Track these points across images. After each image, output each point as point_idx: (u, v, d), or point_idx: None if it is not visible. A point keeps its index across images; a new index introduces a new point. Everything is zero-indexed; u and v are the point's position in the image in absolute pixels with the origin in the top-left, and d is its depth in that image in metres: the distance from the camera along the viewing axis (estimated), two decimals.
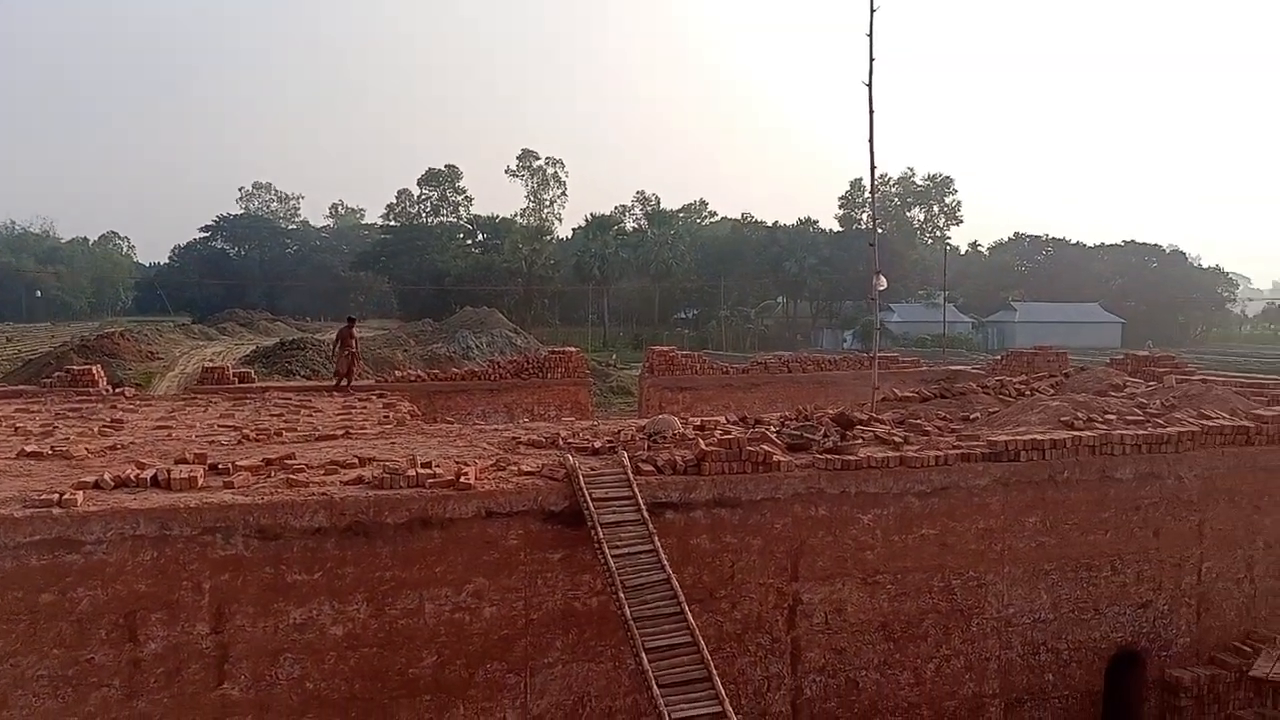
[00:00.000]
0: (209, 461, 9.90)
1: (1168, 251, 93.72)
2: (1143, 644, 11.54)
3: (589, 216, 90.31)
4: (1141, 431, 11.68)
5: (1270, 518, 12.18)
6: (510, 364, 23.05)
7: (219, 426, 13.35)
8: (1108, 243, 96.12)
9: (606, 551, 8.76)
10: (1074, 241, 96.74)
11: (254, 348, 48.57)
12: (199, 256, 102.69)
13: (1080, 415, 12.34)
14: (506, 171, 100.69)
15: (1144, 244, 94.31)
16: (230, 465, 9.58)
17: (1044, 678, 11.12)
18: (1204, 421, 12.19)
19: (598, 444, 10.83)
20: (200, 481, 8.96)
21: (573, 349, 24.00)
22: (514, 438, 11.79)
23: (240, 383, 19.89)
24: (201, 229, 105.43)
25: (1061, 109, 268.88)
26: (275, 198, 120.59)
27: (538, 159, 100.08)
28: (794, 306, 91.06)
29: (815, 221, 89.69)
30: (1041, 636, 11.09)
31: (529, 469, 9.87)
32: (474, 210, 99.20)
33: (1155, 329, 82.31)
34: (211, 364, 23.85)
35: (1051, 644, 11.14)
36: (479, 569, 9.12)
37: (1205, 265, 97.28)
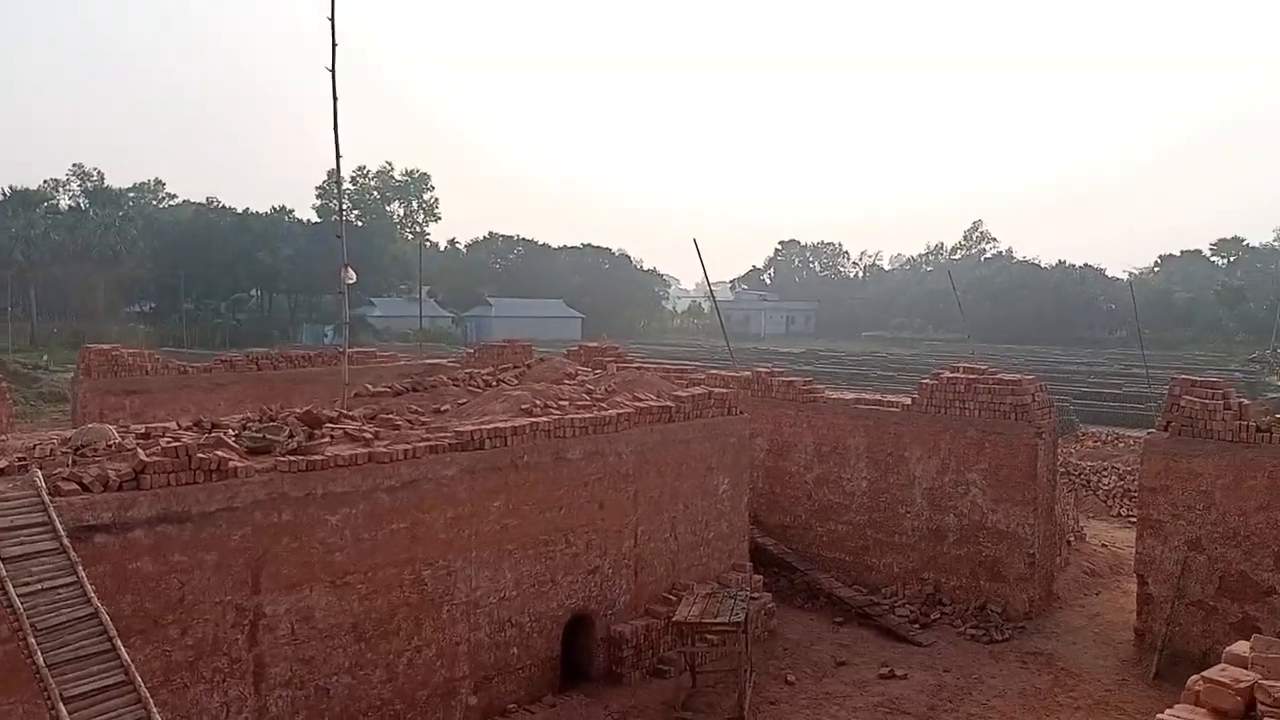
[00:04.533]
0: None
1: (616, 255, 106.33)
2: (592, 606, 12.86)
3: (7, 190, 75.58)
4: (588, 415, 12.98)
5: (688, 483, 14.36)
6: None
7: None
8: (569, 245, 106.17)
9: (11, 590, 7.28)
10: (541, 243, 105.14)
11: None
12: None
13: (538, 403, 13.33)
14: None
15: (598, 247, 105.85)
16: None
17: (510, 652, 11.82)
18: (637, 403, 13.94)
19: (3, 463, 9.00)
20: None
21: None
22: None
23: None
24: None
25: (529, 121, 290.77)
26: None
27: None
28: (270, 300, 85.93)
29: (291, 210, 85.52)
30: (507, 613, 11.78)
31: None
32: None
33: (609, 323, 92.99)
34: None
35: (516, 619, 11.88)
36: None
37: (645, 268, 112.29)
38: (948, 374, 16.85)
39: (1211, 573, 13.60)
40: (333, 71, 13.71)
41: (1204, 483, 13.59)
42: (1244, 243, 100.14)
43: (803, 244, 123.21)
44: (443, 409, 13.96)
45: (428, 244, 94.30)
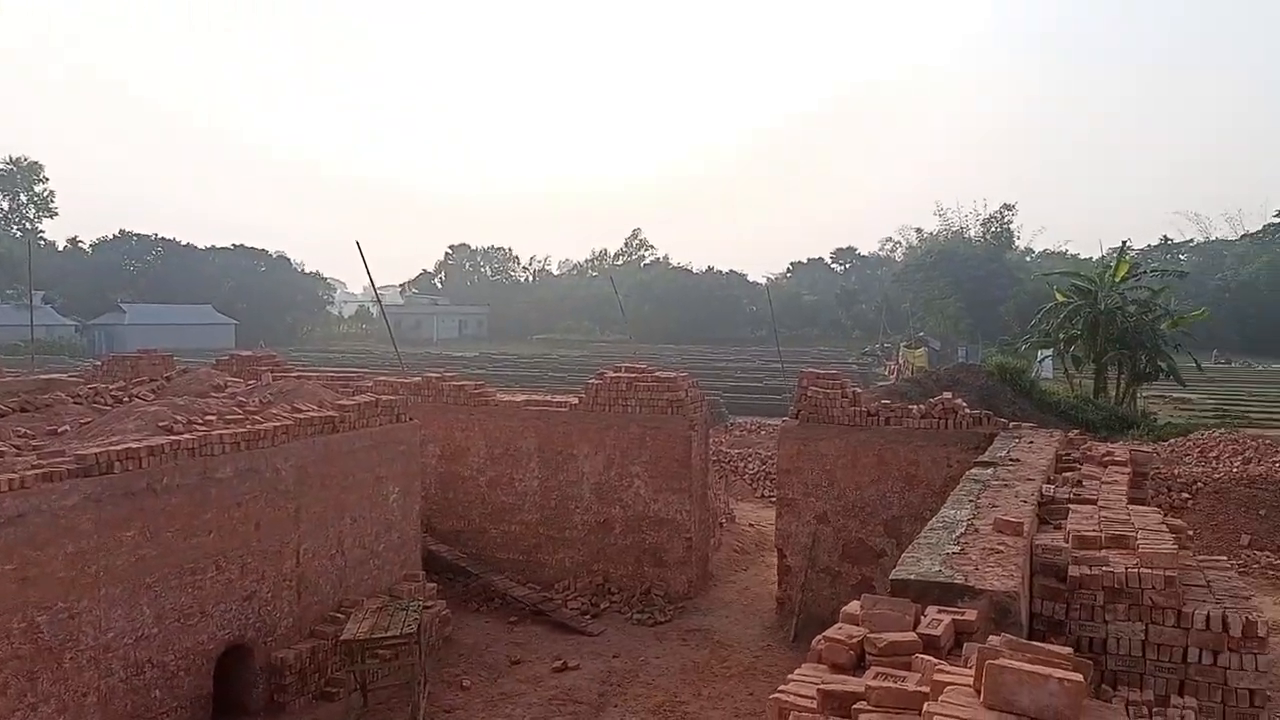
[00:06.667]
0: None
1: (274, 256, 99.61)
2: (250, 635, 11.90)
3: None
4: (240, 430, 11.99)
5: (354, 495, 13.76)
6: None
7: None
8: (218, 245, 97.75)
9: None
10: (185, 243, 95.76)
11: None
12: None
13: (180, 419, 12.11)
14: None
15: (252, 248, 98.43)
16: None
17: (151, 696, 10.62)
18: (296, 415, 13.12)
19: None
20: None
21: None
22: None
23: None
24: None
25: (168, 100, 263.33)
26: None
27: None
28: None
29: None
30: (146, 653, 10.56)
31: None
32: None
33: (267, 330, 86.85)
34: None
35: (158, 659, 10.69)
36: None
37: (308, 270, 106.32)
38: (611, 373, 17.65)
39: (836, 542, 15.45)
40: None
41: (828, 463, 15.41)
42: (856, 251, 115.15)
43: (473, 248, 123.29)
44: (61, 430, 12.27)
45: (42, 243, 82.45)
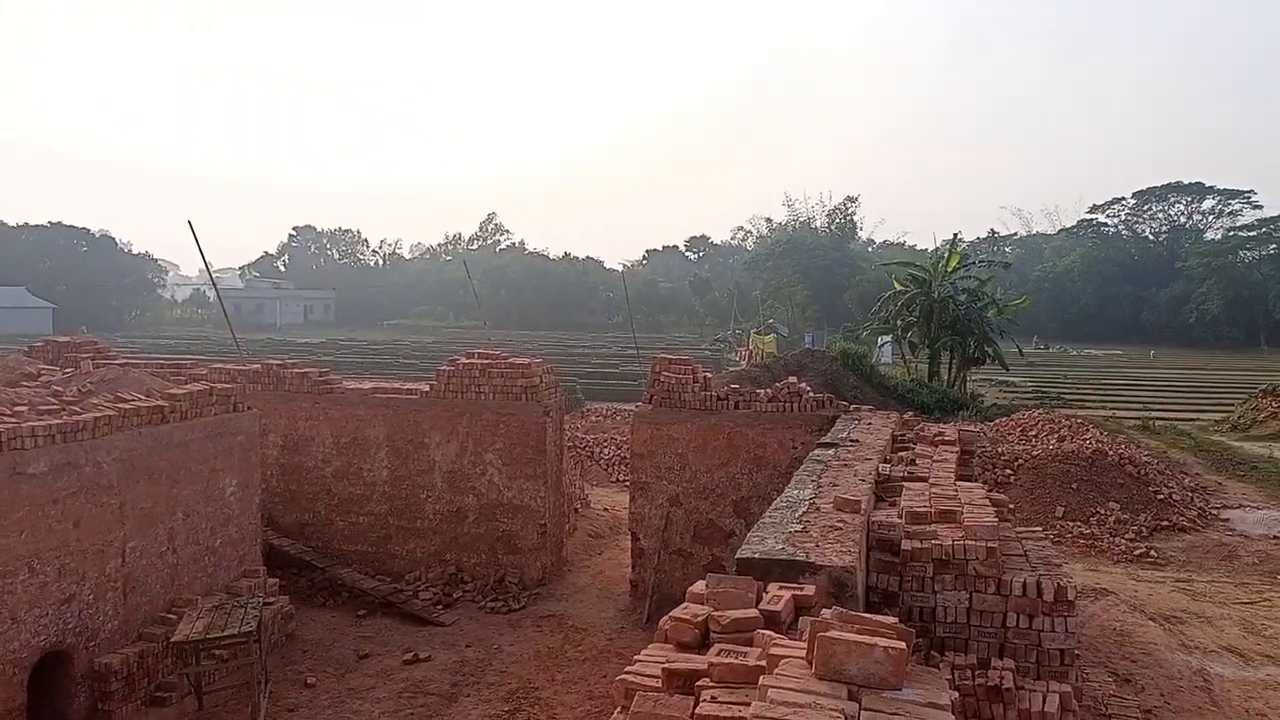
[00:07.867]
0: None
1: (97, 236, 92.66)
2: (70, 640, 11.08)
3: None
4: (56, 421, 11.12)
5: (187, 489, 13.01)
6: None
7: None
8: (33, 223, 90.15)
9: None
10: None
11: None
12: None
13: None
14: None
15: (72, 226, 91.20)
16: None
17: None
18: (120, 405, 12.27)
19: None
20: None
21: None
22: None
23: None
24: None
25: None
26: None
27: None
28: None
29: None
30: None
31: None
32: None
33: (90, 314, 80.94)
34: None
35: None
36: None
37: (136, 251, 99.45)
38: (464, 359, 17.35)
39: (688, 524, 15.76)
40: None
41: (680, 446, 15.68)
42: (709, 240, 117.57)
43: (319, 230, 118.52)
44: None
45: None
